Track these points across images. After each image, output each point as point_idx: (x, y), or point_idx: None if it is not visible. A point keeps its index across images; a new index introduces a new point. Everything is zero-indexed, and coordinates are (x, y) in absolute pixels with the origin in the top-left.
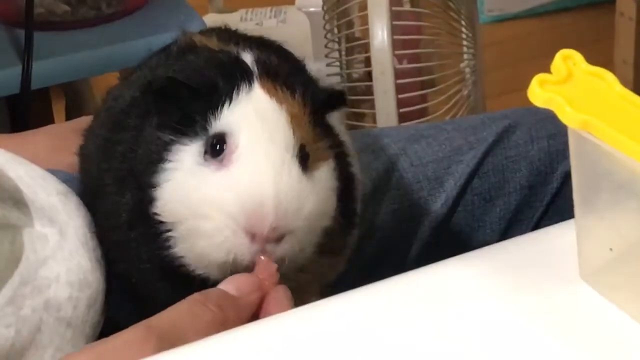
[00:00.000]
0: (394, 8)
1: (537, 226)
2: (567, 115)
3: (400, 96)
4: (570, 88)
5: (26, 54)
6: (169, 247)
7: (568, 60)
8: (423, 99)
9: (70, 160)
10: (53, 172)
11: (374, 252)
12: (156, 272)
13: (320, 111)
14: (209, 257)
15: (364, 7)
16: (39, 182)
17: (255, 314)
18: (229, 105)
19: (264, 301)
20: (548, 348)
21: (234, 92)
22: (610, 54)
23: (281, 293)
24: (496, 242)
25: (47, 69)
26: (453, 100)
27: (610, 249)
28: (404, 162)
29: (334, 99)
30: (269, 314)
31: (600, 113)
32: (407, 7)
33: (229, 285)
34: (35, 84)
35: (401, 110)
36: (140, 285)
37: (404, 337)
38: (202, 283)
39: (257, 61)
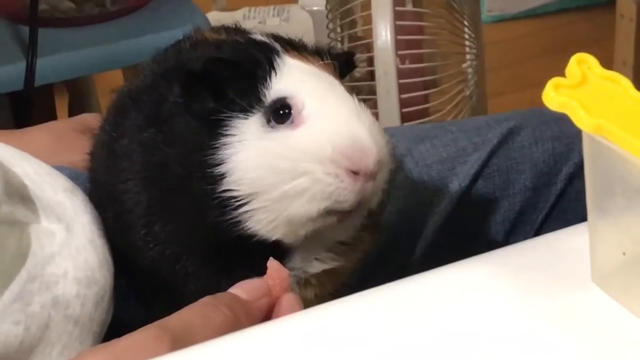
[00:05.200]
0: (396, 8)
1: (541, 228)
2: (581, 120)
3: (402, 96)
4: (584, 92)
5: (30, 51)
6: (238, 223)
7: (583, 64)
8: (425, 99)
9: (70, 158)
10: (59, 169)
11: (378, 252)
12: (202, 256)
13: (342, 72)
14: (307, 212)
15: (366, 6)
16: (45, 179)
17: (266, 320)
18: (275, 75)
19: (275, 306)
20: (559, 351)
21: (274, 64)
22: (610, 55)
23: (292, 299)
24: (501, 243)
25: (51, 65)
26: (455, 101)
27: (624, 253)
28: (409, 163)
29: (351, 60)
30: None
31: (614, 117)
32: (409, 7)
33: (239, 290)
34: (39, 81)
35: (403, 110)
36: (172, 273)
37: (414, 341)
38: (246, 266)
39: (275, 40)
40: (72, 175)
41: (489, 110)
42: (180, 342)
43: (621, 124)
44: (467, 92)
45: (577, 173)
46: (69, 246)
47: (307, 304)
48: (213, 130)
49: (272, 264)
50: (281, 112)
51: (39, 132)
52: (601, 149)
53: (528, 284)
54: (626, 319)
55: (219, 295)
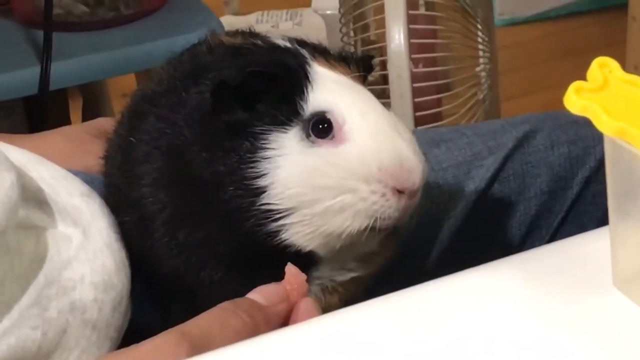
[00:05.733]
0: (410, 12)
1: (556, 232)
2: (603, 123)
3: (416, 100)
4: (606, 96)
5: (45, 55)
6: (274, 234)
7: (604, 68)
8: (439, 102)
9: (85, 162)
10: (74, 173)
11: (394, 257)
12: (229, 264)
13: (365, 76)
14: (348, 228)
15: (379, 10)
16: (61, 183)
17: (284, 325)
18: (311, 86)
19: (293, 312)
20: (580, 357)
21: (307, 74)
22: (621, 58)
23: (310, 304)
24: (517, 247)
25: (65, 69)
26: (469, 104)
27: None
28: None
29: (369, 64)
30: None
31: (636, 120)
32: (422, 10)
33: (257, 295)
34: (53, 85)
35: (417, 113)
36: (195, 280)
37: (430, 347)
38: (272, 273)
39: (300, 45)
40: (87, 179)
41: (502, 113)
42: (198, 347)
43: None
44: (481, 96)
45: (593, 177)
46: (86, 250)
47: (332, 309)
48: (248, 141)
49: (290, 269)
50: (320, 126)
51: (53, 137)
52: (623, 152)
53: (549, 289)
54: None
55: (238, 300)
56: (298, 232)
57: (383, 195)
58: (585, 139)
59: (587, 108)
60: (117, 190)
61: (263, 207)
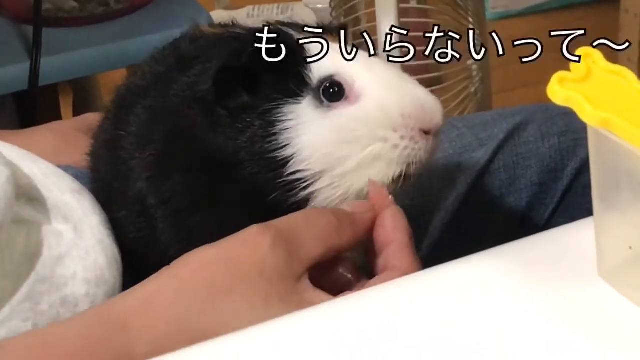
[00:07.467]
0: (401, 5)
1: (548, 223)
2: (586, 113)
3: None
4: (589, 86)
5: (34, 50)
6: (304, 203)
7: (587, 58)
8: None
9: (75, 158)
10: (64, 169)
11: None
12: None
13: None
14: (383, 179)
15: (370, 4)
16: (52, 180)
17: (370, 233)
18: (311, 56)
19: (378, 218)
20: (566, 346)
21: (302, 46)
22: (615, 51)
23: (395, 210)
24: (508, 239)
25: (55, 65)
26: (460, 98)
27: (630, 247)
28: None
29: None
30: (383, 227)
31: (620, 111)
32: (413, 4)
33: (344, 206)
34: (43, 80)
35: None
36: None
37: (419, 337)
38: None
39: (281, 25)
40: (77, 174)
41: (495, 106)
42: (282, 238)
43: (626, 118)
44: (472, 89)
45: (584, 168)
46: (78, 247)
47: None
48: (260, 120)
49: (373, 183)
50: (332, 90)
51: (41, 133)
52: (607, 142)
53: (534, 279)
54: (634, 314)
55: (325, 207)
56: (328, 197)
57: (412, 138)
58: (576, 131)
59: (570, 98)
60: (106, 186)
61: (289, 177)
